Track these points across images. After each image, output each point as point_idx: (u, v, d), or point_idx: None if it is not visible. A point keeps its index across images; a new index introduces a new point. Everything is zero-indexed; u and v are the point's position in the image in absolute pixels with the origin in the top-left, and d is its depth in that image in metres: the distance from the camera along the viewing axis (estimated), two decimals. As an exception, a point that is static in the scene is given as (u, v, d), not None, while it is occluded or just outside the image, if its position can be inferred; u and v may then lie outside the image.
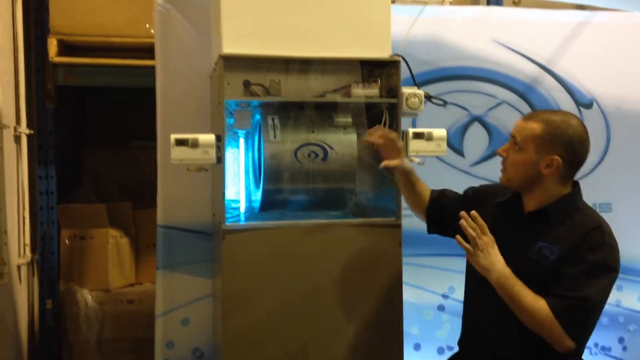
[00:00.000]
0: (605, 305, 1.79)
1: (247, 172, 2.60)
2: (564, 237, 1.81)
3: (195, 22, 2.79)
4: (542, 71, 3.19)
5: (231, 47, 2.24)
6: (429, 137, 2.34)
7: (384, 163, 2.21)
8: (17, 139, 2.81)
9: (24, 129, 2.85)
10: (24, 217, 2.89)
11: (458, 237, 1.84)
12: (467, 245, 1.82)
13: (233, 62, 2.26)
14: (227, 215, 2.34)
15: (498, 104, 3.17)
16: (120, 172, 4.10)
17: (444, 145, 2.37)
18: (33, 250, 3.14)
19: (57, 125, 3.22)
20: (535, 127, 1.82)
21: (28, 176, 2.96)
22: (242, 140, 2.55)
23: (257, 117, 2.44)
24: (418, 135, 2.35)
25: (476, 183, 3.08)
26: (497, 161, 3.05)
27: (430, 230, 2.31)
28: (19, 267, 2.87)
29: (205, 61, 2.71)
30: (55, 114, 3.20)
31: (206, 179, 2.72)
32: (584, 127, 1.85)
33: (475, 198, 2.16)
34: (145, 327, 3.34)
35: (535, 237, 1.85)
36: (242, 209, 2.61)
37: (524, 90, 3.17)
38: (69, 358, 3.49)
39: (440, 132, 2.36)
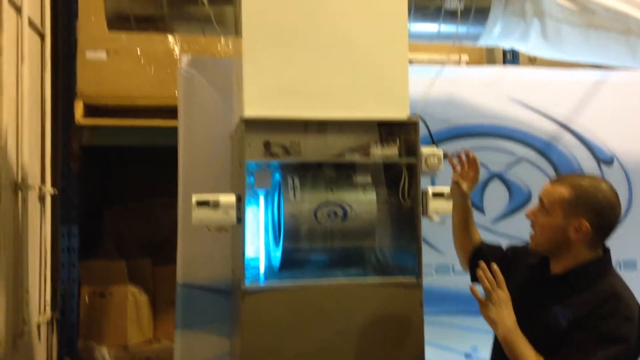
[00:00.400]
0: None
1: (266, 230, 2.61)
2: (582, 303, 1.77)
3: (218, 85, 2.86)
4: (561, 128, 3.21)
5: (252, 109, 2.29)
6: (449, 197, 2.34)
7: (457, 177, 2.21)
8: (42, 198, 2.86)
9: (48, 188, 2.90)
10: (45, 276, 2.91)
11: (472, 286, 1.81)
12: (480, 296, 1.80)
13: (254, 124, 2.30)
14: (247, 274, 2.34)
15: (517, 161, 3.17)
16: (141, 228, 4.14)
17: (464, 204, 2.36)
18: (53, 308, 3.15)
19: (80, 184, 3.28)
20: (563, 191, 1.80)
21: (51, 234, 3.00)
22: (262, 199, 2.57)
23: (277, 176, 2.47)
24: (438, 195, 2.36)
25: (498, 240, 3.07)
26: (518, 218, 3.07)
27: (472, 279, 2.25)
28: (38, 325, 2.87)
29: (227, 122, 2.77)
30: (78, 174, 3.27)
31: (226, 237, 2.73)
32: (614, 191, 1.83)
33: (513, 257, 2.14)
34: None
35: (553, 301, 1.82)
36: (262, 268, 2.60)
37: (543, 148, 3.18)
38: (86, 418, 3.45)
39: (459, 192, 2.35)
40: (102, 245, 4.01)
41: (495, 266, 1.82)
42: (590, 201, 1.78)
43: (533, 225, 1.90)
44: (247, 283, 2.31)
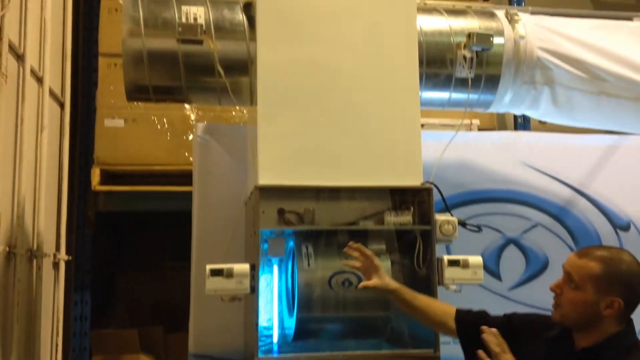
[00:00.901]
0: None
1: (280, 299, 2.58)
2: None
3: (232, 151, 2.90)
4: (576, 193, 3.19)
5: (266, 177, 2.31)
6: (465, 265, 2.32)
7: (362, 284, 2.16)
8: (56, 265, 2.87)
9: (62, 255, 2.91)
10: (57, 344, 2.87)
11: (481, 352, 1.77)
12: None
13: (268, 192, 2.32)
14: (260, 344, 2.30)
15: (533, 226, 3.15)
16: (153, 293, 4.11)
17: (481, 272, 2.33)
18: (63, 379, 3.10)
19: (93, 250, 3.29)
20: (594, 266, 1.76)
21: (64, 301, 2.98)
22: (275, 268, 2.55)
23: (291, 244, 2.46)
24: (453, 263, 2.33)
25: (516, 308, 3.00)
26: (536, 286, 3.03)
27: (466, 346, 2.16)
28: (48, 397, 2.82)
29: (241, 188, 2.79)
30: (92, 240, 3.28)
31: (239, 305, 2.69)
32: (638, 262, 1.81)
33: (520, 326, 2.08)
34: None
35: None
36: (275, 338, 2.55)
37: (558, 213, 3.16)
38: None
39: (476, 260, 2.33)
40: (113, 311, 3.98)
41: (495, 330, 1.81)
42: (622, 277, 1.75)
43: (557, 297, 1.86)
44: (261, 354, 2.26)
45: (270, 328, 2.56)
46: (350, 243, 2.19)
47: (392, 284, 2.16)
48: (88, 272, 3.21)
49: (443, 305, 2.19)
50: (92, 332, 3.28)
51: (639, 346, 1.81)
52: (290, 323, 2.45)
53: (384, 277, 2.15)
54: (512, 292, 3.07)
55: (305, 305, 2.34)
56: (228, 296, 2.27)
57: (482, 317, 2.12)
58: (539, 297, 3.02)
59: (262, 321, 2.49)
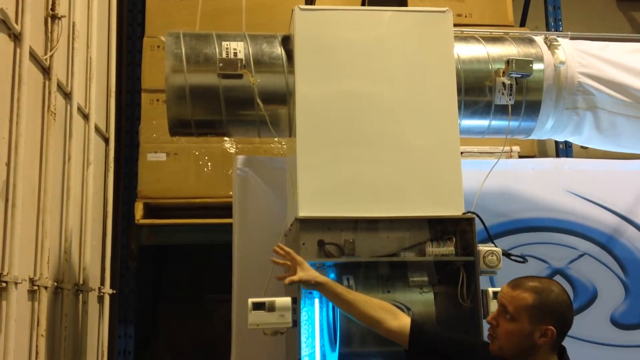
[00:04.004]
0: None
1: (322, 334, 2.56)
2: None
3: (271, 183, 2.92)
4: (623, 221, 3.10)
5: (306, 209, 2.31)
6: (510, 297, 2.25)
7: (287, 279, 2.13)
8: (101, 299, 2.91)
9: (107, 289, 2.95)
10: (101, 379, 2.90)
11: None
12: None
13: (308, 224, 2.31)
14: (303, 383, 2.28)
15: (580, 256, 3.06)
16: (195, 327, 4.12)
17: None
18: (108, 412, 3.11)
19: (137, 283, 3.33)
20: (527, 296, 1.81)
21: (108, 335, 3.02)
22: (317, 301, 2.53)
23: (332, 276, 2.44)
24: (498, 295, 2.27)
25: (566, 342, 2.91)
26: (586, 317, 2.93)
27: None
28: None
29: (280, 220, 2.79)
30: (136, 273, 3.33)
31: (281, 339, 2.68)
32: (566, 291, 1.86)
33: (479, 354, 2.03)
34: None
35: None
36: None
37: (605, 242, 3.07)
38: None
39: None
40: (155, 343, 4.00)
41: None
42: (553, 306, 1.81)
43: (493, 330, 1.88)
44: (304, 389, 2.24)
45: (312, 361, 2.54)
46: (276, 248, 2.19)
47: (320, 277, 2.16)
48: (131, 305, 3.25)
49: (382, 303, 2.16)
50: (135, 366, 3.31)
51: None
52: (333, 358, 2.42)
53: (309, 270, 2.15)
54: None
55: (348, 340, 2.31)
56: (270, 330, 2.26)
57: (437, 334, 2.11)
58: (589, 330, 2.93)
59: (304, 356, 2.47)
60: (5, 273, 1.62)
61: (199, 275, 4.27)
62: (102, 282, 2.95)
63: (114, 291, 3.06)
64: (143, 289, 3.72)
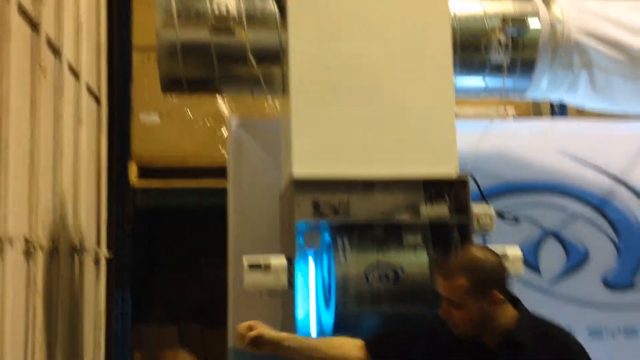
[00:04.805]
0: None
1: (317, 294, 2.58)
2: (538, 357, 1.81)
3: (266, 146, 2.91)
4: (617, 183, 3.10)
5: (301, 169, 2.30)
6: (504, 258, 2.27)
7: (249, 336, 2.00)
8: (97, 261, 2.91)
9: (104, 251, 2.95)
10: (99, 341, 2.92)
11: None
12: None
13: (303, 185, 2.31)
14: (298, 339, 2.30)
15: (573, 218, 3.07)
16: (191, 290, 4.15)
17: (521, 265, 2.29)
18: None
19: (132, 247, 3.33)
20: (461, 281, 1.82)
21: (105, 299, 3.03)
22: (311, 261, 2.55)
23: (327, 238, 2.45)
24: (492, 254, 2.28)
25: (558, 303, 2.96)
26: (577, 279, 2.95)
27: None
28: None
29: (276, 182, 2.79)
30: (132, 236, 3.32)
31: (277, 300, 2.70)
32: (489, 250, 1.90)
33: (429, 336, 2.04)
34: None
35: None
36: (314, 333, 2.55)
37: (598, 204, 3.08)
38: None
39: (515, 252, 2.28)
40: (152, 308, 4.03)
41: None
42: (487, 274, 1.82)
43: (451, 321, 1.89)
44: (299, 348, 2.27)
45: (308, 323, 2.56)
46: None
47: (275, 336, 2.02)
48: (128, 269, 3.25)
49: (334, 340, 2.14)
50: (132, 329, 3.33)
51: (540, 321, 1.90)
52: (328, 318, 2.45)
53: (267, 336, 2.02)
54: (552, 286, 3.00)
55: (343, 300, 2.33)
56: (266, 292, 2.27)
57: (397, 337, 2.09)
58: (580, 291, 2.97)
59: (300, 316, 2.49)
60: (-1, 232, 1.61)
61: (195, 240, 4.28)
62: (98, 244, 2.94)
63: (110, 254, 3.06)
64: (139, 253, 3.72)
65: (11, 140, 1.80)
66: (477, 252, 1.89)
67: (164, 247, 4.50)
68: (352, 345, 2.08)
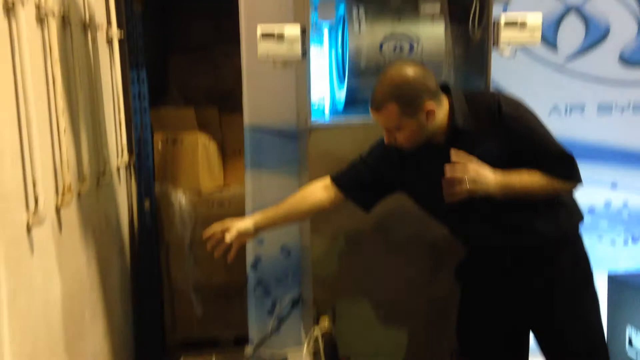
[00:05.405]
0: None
1: (331, 69, 2.59)
2: (483, 129, 1.87)
3: None
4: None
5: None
6: (523, 25, 2.23)
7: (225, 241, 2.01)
8: (109, 42, 2.89)
9: (114, 31, 2.92)
10: (119, 120, 3.01)
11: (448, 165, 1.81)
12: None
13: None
14: (312, 115, 2.36)
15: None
16: (206, 78, 4.17)
17: (539, 34, 2.25)
18: (129, 153, 3.29)
19: (144, 28, 3.27)
20: (391, 108, 1.83)
21: (121, 80, 3.06)
22: (325, 33, 2.52)
23: (341, 10, 2.40)
24: (510, 23, 2.24)
25: (571, 79, 2.95)
26: (593, 56, 2.92)
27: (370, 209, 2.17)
28: (118, 168, 3.03)
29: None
30: (142, 17, 3.25)
31: (291, 80, 2.73)
32: (405, 64, 1.89)
33: (382, 164, 2.09)
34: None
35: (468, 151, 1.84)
36: (327, 108, 2.62)
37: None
38: (166, 257, 3.72)
39: (535, 19, 2.23)
40: (168, 94, 4.10)
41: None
42: (414, 91, 1.83)
43: (397, 143, 1.92)
44: (313, 121, 2.34)
45: (322, 102, 2.61)
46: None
47: (249, 227, 2.05)
48: (141, 50, 3.23)
49: (304, 192, 2.15)
50: (151, 110, 3.41)
51: (472, 95, 1.94)
52: (341, 93, 2.49)
53: (238, 222, 2.06)
54: (568, 62, 2.97)
55: (356, 71, 2.35)
56: (280, 61, 2.27)
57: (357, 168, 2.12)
58: (595, 68, 2.94)
59: (314, 96, 2.52)
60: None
61: (206, 25, 4.22)
62: (109, 24, 2.90)
63: (122, 35, 3.03)
64: (152, 36, 3.68)
65: None
66: (396, 73, 1.86)
67: (177, 33, 4.42)
68: (320, 187, 2.13)
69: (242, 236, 2.05)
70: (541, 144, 1.86)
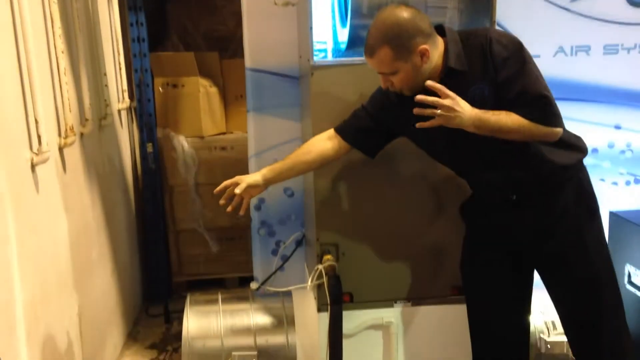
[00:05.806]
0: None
1: (333, 10, 2.55)
2: (476, 68, 1.86)
3: None
4: None
5: None
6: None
7: (236, 194, 2.06)
8: (106, -18, 2.85)
9: (110, -29, 2.87)
10: (119, 63, 2.99)
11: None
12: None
13: None
14: (315, 56, 2.34)
15: None
16: (205, 24, 4.12)
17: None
18: (130, 98, 3.29)
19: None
20: (384, 51, 1.82)
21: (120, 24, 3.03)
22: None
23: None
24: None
25: (577, 22, 2.90)
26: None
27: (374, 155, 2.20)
28: (119, 111, 3.03)
29: None
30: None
31: (292, 21, 2.70)
32: (394, 7, 1.85)
33: (382, 110, 2.09)
34: (237, 172, 3.52)
35: (461, 90, 1.84)
36: (329, 50, 2.59)
37: None
38: (170, 199, 3.77)
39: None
40: (168, 39, 4.06)
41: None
42: (405, 32, 1.81)
43: (393, 87, 1.92)
44: (315, 60, 2.32)
45: (324, 43, 2.58)
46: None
47: (257, 179, 2.11)
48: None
49: (308, 145, 2.18)
50: (151, 54, 3.38)
51: (466, 34, 1.92)
52: (343, 34, 2.46)
53: (247, 177, 2.11)
54: (573, 3, 2.90)
55: (358, 12, 2.31)
56: (281, 1, 2.23)
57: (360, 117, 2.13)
58: (603, 8, 2.89)
59: (316, 36, 2.48)
60: None
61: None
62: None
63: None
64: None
65: None
66: (387, 17, 1.84)
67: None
68: (324, 138, 2.16)
69: (252, 189, 2.11)
70: (522, 84, 1.83)
